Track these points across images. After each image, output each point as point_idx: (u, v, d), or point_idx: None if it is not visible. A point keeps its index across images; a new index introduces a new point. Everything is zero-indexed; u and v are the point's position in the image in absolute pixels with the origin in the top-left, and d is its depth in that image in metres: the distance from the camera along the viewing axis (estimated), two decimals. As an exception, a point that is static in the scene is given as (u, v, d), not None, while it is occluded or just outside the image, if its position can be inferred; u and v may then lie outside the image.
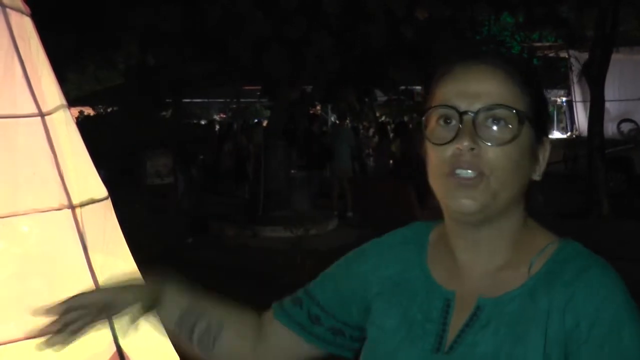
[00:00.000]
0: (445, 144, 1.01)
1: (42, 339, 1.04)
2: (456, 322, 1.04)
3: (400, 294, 1.12)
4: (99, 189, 1.12)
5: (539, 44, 16.05)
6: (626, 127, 15.20)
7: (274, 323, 1.23)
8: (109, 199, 1.14)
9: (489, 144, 0.99)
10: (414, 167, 12.79)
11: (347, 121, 14.80)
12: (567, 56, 16.08)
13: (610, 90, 12.86)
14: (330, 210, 11.19)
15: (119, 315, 1.12)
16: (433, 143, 1.03)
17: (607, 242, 3.67)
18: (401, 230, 1.22)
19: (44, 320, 1.05)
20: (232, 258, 8.15)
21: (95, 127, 10.71)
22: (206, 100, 21.82)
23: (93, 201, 1.08)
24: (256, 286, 6.55)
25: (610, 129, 13.86)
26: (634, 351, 0.94)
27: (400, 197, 8.90)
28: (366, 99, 12.85)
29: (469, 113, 1.00)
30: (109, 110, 14.04)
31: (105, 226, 1.09)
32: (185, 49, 9.69)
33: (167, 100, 12.19)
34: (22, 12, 1.06)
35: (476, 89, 1.01)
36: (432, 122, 1.04)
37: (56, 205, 1.01)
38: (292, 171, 11.56)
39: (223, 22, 8.97)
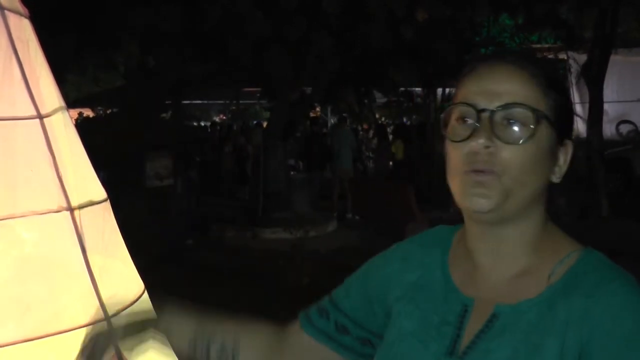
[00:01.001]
0: (462, 141, 1.00)
1: (40, 341, 1.03)
2: (472, 327, 1.03)
3: (420, 296, 1.11)
4: (98, 191, 1.11)
5: (538, 46, 16.04)
6: (625, 128, 15.22)
7: (300, 334, 1.22)
8: (108, 200, 1.13)
9: (505, 142, 0.98)
10: (414, 169, 12.82)
11: (347, 123, 14.81)
12: (565, 58, 16.08)
13: (609, 92, 12.86)
14: (330, 212, 11.20)
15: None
16: (451, 140, 1.02)
17: (607, 242, 3.66)
18: (425, 234, 1.21)
19: (43, 322, 1.05)
20: (232, 259, 8.15)
21: (95, 128, 10.71)
22: (206, 102, 21.83)
23: (92, 203, 1.07)
24: (256, 287, 6.56)
25: (608, 130, 13.87)
26: None
27: (400, 198, 8.91)
28: (365, 101, 12.86)
29: (487, 111, 0.99)
30: (108, 111, 14.04)
31: (104, 228, 1.09)
32: (185, 49, 9.69)
33: (167, 101, 12.18)
34: (21, 14, 1.05)
35: (497, 88, 1.00)
36: (452, 120, 1.03)
37: (55, 208, 1.00)
38: (292, 173, 11.58)
39: (223, 22, 8.98)
